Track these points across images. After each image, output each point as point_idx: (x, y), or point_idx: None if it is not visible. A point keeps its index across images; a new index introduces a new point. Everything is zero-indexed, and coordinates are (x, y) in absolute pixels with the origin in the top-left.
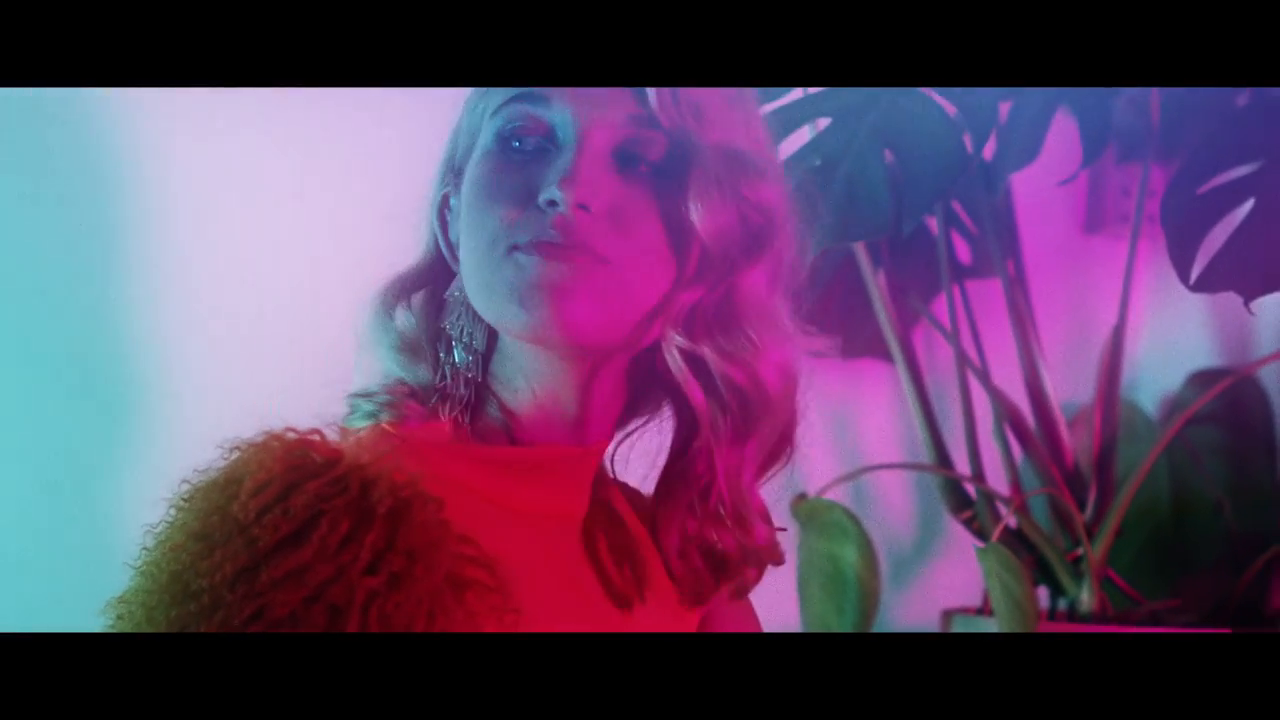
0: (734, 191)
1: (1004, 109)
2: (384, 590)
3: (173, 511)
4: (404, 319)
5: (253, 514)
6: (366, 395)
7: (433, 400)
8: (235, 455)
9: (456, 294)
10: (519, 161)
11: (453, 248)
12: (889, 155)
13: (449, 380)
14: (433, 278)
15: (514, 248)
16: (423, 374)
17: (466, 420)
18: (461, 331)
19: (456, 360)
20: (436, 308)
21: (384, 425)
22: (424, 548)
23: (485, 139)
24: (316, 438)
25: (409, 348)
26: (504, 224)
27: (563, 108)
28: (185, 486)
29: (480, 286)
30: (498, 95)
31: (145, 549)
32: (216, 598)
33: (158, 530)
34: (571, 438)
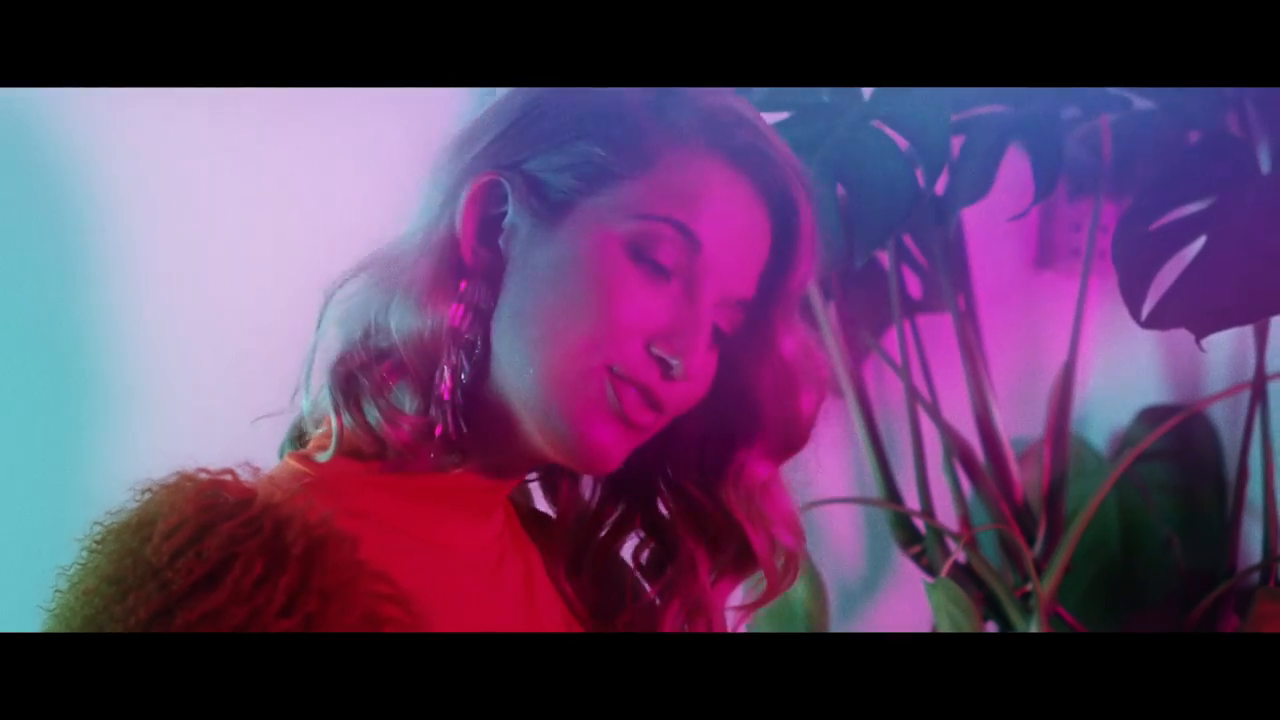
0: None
1: (956, 143)
2: (299, 632)
3: (85, 554)
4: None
5: (166, 557)
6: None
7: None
8: (147, 496)
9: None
10: (644, 274)
11: (477, 245)
12: (840, 189)
13: (444, 385)
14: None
15: (613, 372)
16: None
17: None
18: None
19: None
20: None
21: (292, 460)
22: (338, 588)
23: (611, 221)
24: (229, 477)
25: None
26: (608, 332)
27: (697, 238)
28: (97, 528)
29: (550, 377)
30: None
31: (58, 591)
32: None
33: (70, 573)
34: (493, 472)
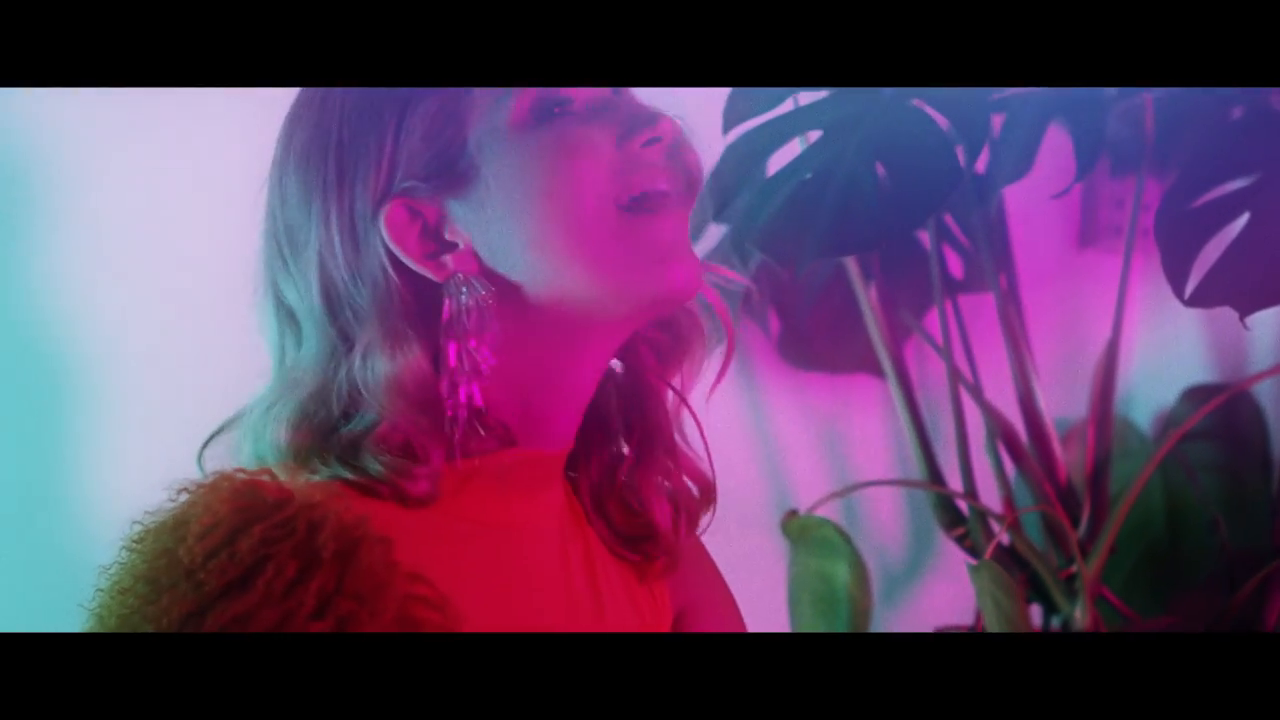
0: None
1: (997, 122)
2: (332, 632)
3: (123, 553)
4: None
5: (199, 558)
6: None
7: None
8: (184, 497)
9: (478, 297)
10: (575, 121)
11: (438, 257)
12: (881, 168)
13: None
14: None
15: (624, 206)
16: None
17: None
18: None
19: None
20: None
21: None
22: (371, 591)
23: (504, 116)
24: (266, 478)
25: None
26: (597, 179)
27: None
28: (136, 528)
29: (590, 252)
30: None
31: (98, 590)
32: None
33: (109, 571)
34: (546, 438)
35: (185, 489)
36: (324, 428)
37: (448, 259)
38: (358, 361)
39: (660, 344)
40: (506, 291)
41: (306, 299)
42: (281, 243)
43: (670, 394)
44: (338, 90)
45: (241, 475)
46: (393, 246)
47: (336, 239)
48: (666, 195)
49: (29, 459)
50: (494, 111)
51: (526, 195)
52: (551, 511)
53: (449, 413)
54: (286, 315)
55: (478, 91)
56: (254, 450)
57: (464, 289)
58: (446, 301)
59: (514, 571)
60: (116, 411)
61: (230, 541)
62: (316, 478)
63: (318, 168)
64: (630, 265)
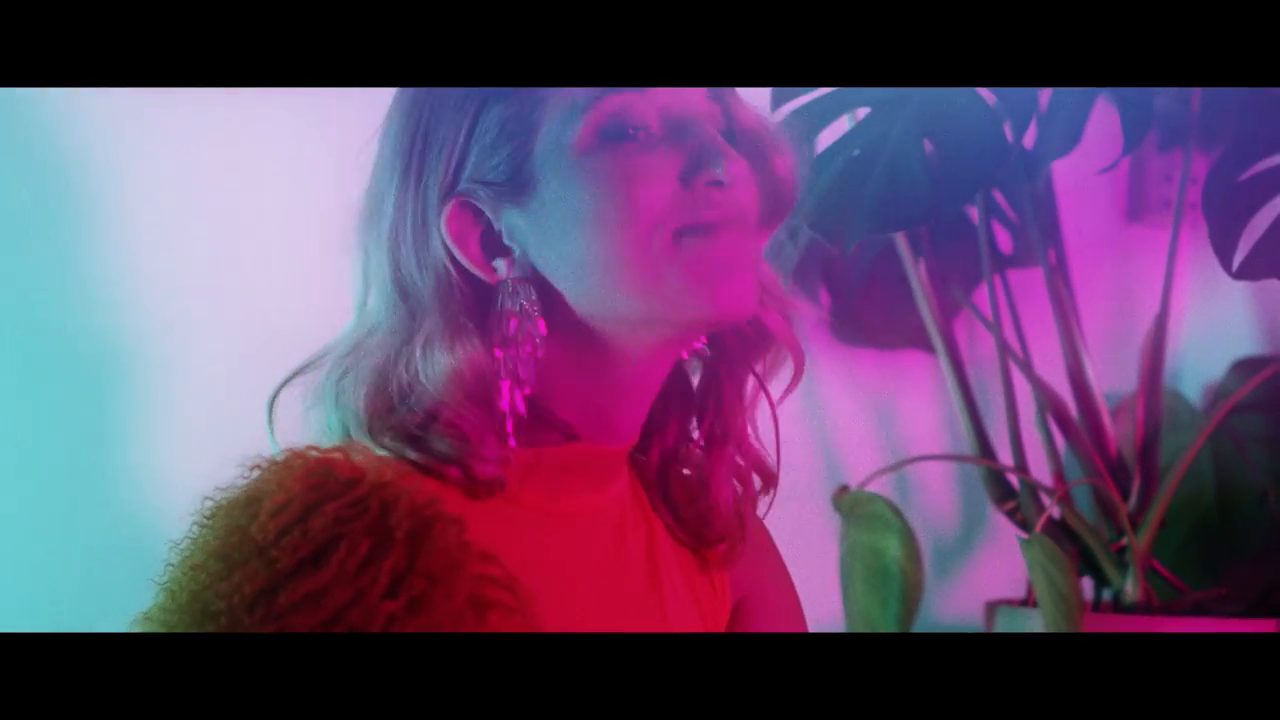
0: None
1: (1044, 97)
2: (403, 614)
3: (195, 529)
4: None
5: (272, 535)
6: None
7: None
8: (256, 474)
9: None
10: (641, 149)
11: (491, 261)
12: (928, 144)
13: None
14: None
15: (679, 232)
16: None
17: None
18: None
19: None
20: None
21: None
22: (444, 570)
23: (570, 136)
24: (339, 456)
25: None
26: (655, 210)
27: (653, 99)
28: (208, 504)
29: (642, 277)
30: (549, 98)
31: (170, 564)
32: (235, 619)
33: (182, 547)
34: (609, 434)
35: (258, 465)
36: (392, 402)
37: (501, 264)
38: (419, 350)
39: (746, 334)
40: (558, 303)
41: (380, 272)
42: (371, 207)
43: (749, 384)
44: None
45: (314, 453)
46: (450, 243)
47: (408, 223)
48: (723, 224)
49: (91, 445)
50: (562, 128)
51: (582, 216)
52: (613, 502)
53: (503, 408)
54: (369, 274)
55: (550, 103)
56: (336, 416)
57: (513, 296)
58: (495, 306)
59: (573, 560)
60: (175, 399)
61: (303, 519)
62: (386, 453)
63: (403, 149)
64: (680, 289)
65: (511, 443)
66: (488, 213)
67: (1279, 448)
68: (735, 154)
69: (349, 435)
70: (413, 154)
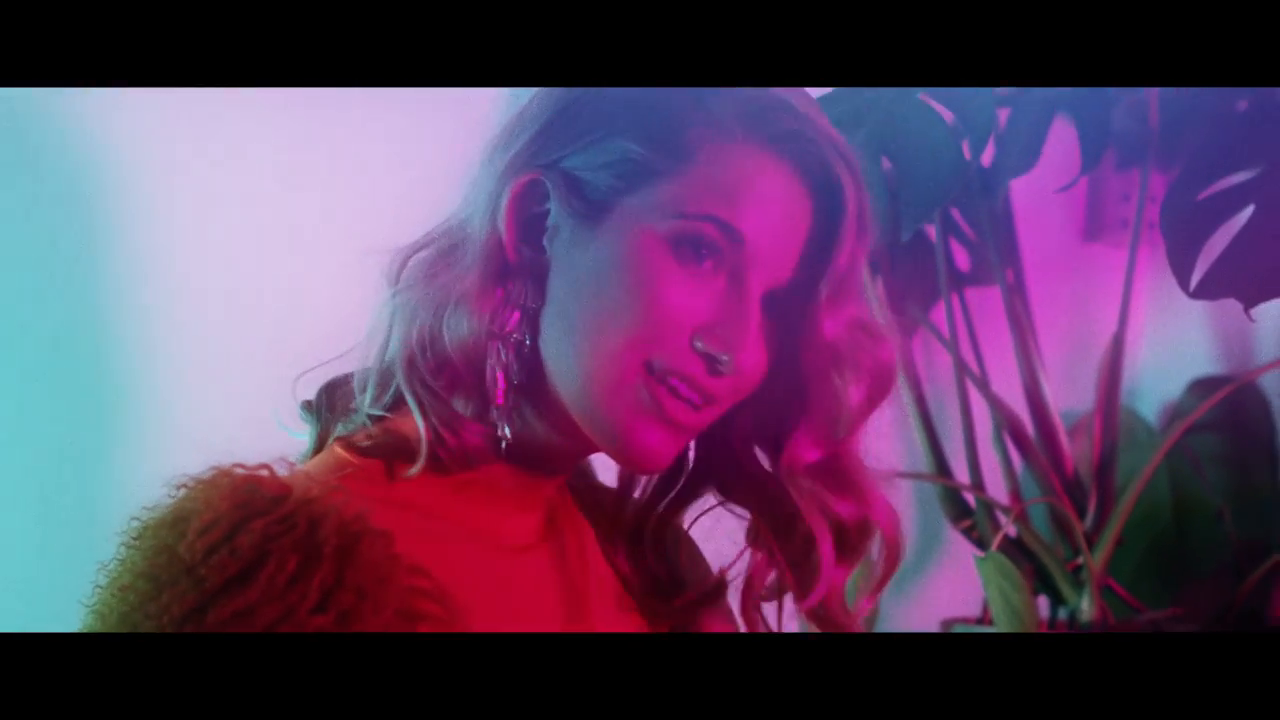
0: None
1: (1002, 115)
2: (333, 628)
3: (123, 550)
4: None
5: (199, 554)
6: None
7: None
8: (183, 493)
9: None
10: (688, 270)
11: (520, 244)
12: (886, 163)
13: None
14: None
15: (654, 371)
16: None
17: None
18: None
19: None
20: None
21: (338, 447)
22: (373, 584)
23: (652, 220)
24: (265, 473)
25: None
26: (653, 329)
27: (740, 234)
28: (134, 524)
29: (591, 379)
30: (673, 154)
31: (97, 587)
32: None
33: (109, 568)
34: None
35: (184, 484)
36: (421, 347)
37: (525, 251)
38: (450, 302)
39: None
40: (536, 327)
41: (483, 201)
42: (486, 148)
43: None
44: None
45: (240, 471)
46: (505, 199)
47: (495, 188)
48: (689, 395)
49: (67, 454)
50: (660, 209)
51: (605, 281)
52: (532, 529)
53: (498, 400)
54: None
55: (667, 183)
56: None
57: (520, 293)
58: (502, 296)
59: (499, 583)
60: (178, 411)
61: (231, 537)
62: (412, 401)
63: (554, 113)
64: (611, 405)
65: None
66: (553, 206)
67: (1235, 467)
68: (756, 348)
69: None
70: (542, 134)
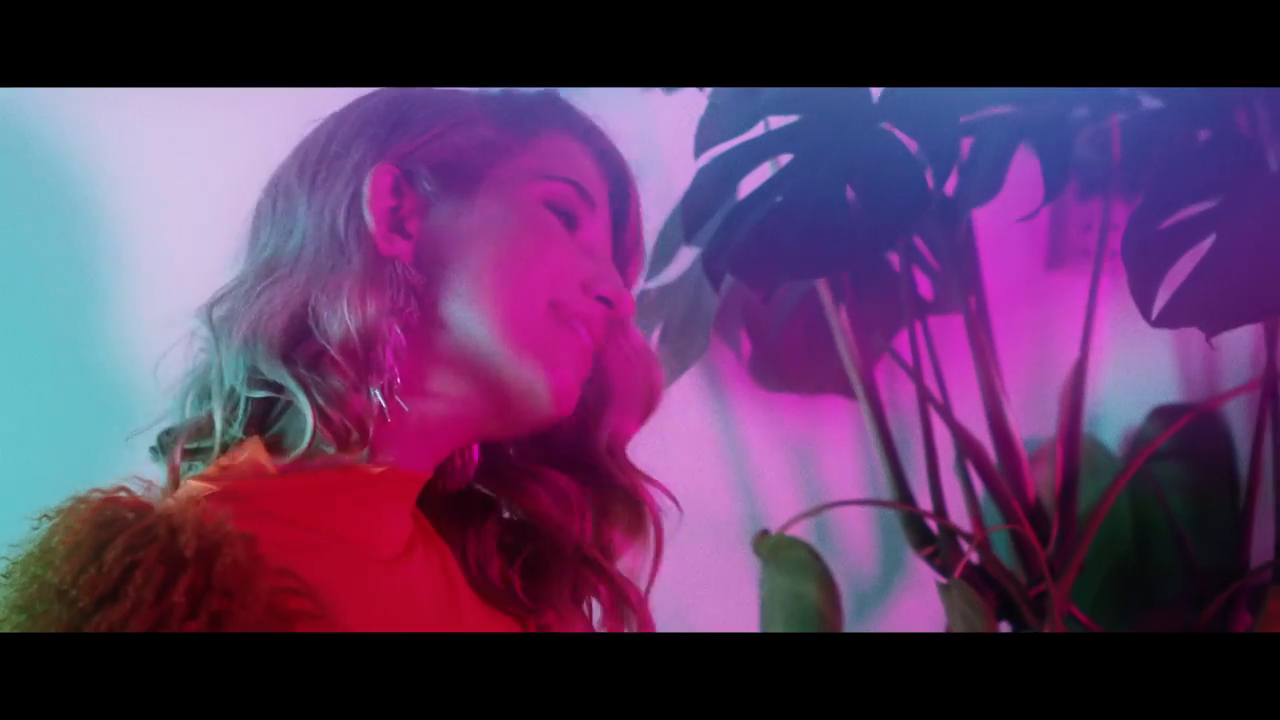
0: None
1: (966, 145)
2: (208, 630)
3: None
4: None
5: (68, 577)
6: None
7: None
8: (45, 524)
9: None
10: (562, 223)
11: (390, 234)
12: (850, 191)
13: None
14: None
15: (558, 312)
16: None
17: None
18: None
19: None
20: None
21: (192, 483)
22: (239, 584)
23: (522, 180)
24: (124, 494)
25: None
26: (553, 268)
27: (592, 197)
28: (3, 563)
29: (506, 324)
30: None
31: None
32: None
33: None
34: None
35: (46, 515)
36: (303, 332)
37: (397, 241)
38: (331, 294)
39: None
40: (426, 303)
41: (315, 212)
42: (309, 160)
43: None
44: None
45: (98, 494)
46: (366, 197)
47: (355, 179)
48: (590, 336)
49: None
50: (525, 175)
51: (493, 234)
52: (401, 530)
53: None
54: (277, 216)
55: (531, 156)
56: (242, 343)
57: (398, 268)
58: (384, 269)
59: (370, 586)
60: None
61: (96, 556)
62: (292, 382)
63: (377, 121)
64: (528, 346)
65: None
66: (418, 195)
67: (1196, 495)
68: (632, 296)
69: (228, 383)
70: (389, 128)
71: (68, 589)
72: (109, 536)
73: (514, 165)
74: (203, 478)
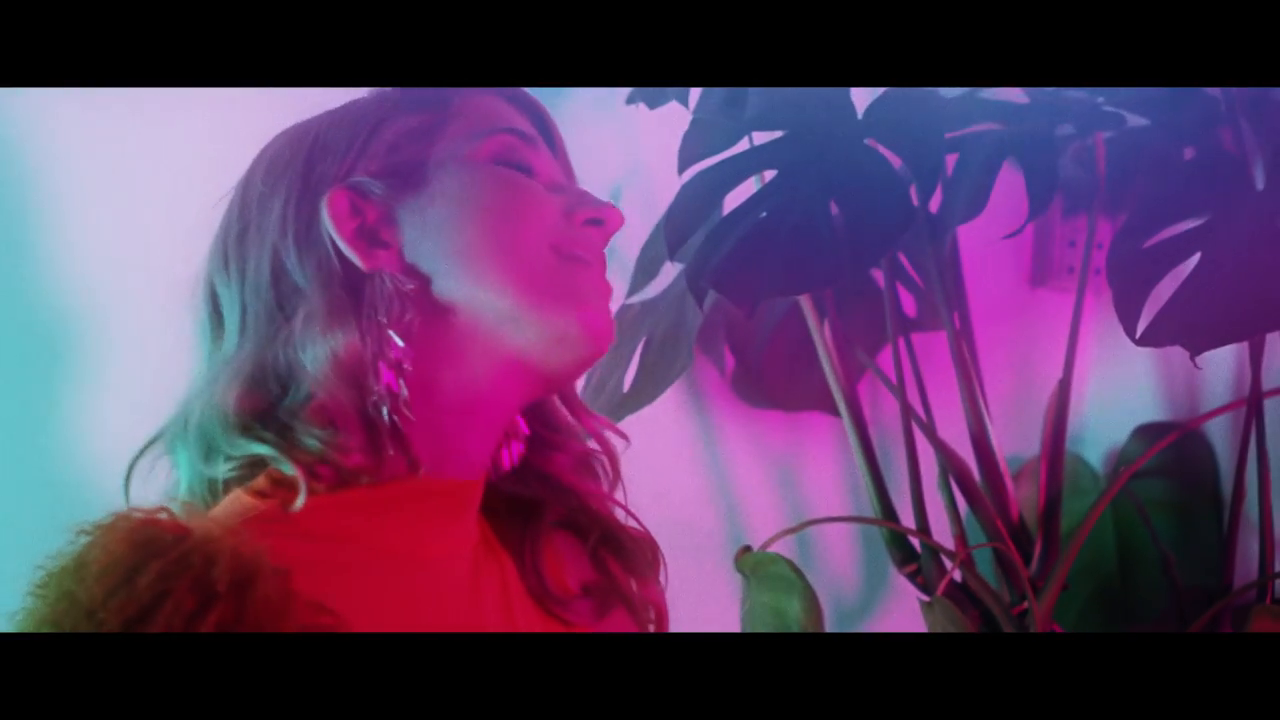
0: None
1: (950, 161)
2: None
3: (28, 599)
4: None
5: (99, 598)
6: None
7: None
8: (83, 538)
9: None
10: (520, 171)
11: (368, 251)
12: (835, 207)
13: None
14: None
15: (561, 254)
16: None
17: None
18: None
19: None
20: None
21: (243, 495)
22: (271, 621)
23: (467, 149)
24: (164, 515)
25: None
26: (540, 220)
27: (530, 136)
28: (39, 573)
29: (518, 267)
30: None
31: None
32: None
33: (16, 620)
34: (456, 464)
35: (84, 530)
36: (269, 398)
37: (378, 253)
38: (297, 332)
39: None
40: (428, 302)
41: (256, 284)
42: (230, 237)
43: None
44: (331, 105)
45: (138, 514)
46: (329, 223)
47: (292, 217)
48: (596, 261)
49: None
50: (463, 142)
51: (467, 209)
52: (464, 542)
53: (374, 396)
54: (217, 311)
55: (458, 122)
56: (199, 424)
57: (387, 281)
58: (366, 287)
59: (422, 604)
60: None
61: (129, 580)
62: (263, 448)
63: (290, 160)
64: (550, 295)
65: (403, 418)
66: (374, 207)
67: (1180, 513)
68: (616, 208)
69: (202, 471)
70: (300, 160)
71: (97, 610)
72: (144, 560)
73: (448, 139)
74: (253, 491)
